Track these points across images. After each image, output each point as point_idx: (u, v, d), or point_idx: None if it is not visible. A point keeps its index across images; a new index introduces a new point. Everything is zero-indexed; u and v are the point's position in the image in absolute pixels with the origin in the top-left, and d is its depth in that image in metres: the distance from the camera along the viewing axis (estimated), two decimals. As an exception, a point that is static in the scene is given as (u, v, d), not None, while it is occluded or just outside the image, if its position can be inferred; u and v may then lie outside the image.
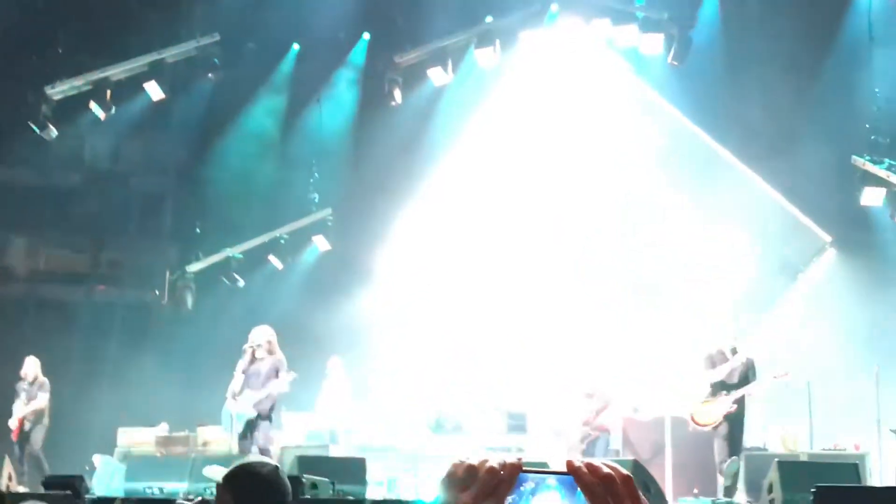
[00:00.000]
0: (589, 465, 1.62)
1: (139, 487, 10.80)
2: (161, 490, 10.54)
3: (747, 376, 11.88)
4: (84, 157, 21.62)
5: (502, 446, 14.29)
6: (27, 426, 14.42)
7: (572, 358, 15.62)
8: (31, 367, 14.68)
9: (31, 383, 14.60)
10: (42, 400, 14.52)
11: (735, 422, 11.77)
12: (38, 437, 14.41)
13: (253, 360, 12.27)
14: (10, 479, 11.49)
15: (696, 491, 11.57)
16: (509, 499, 1.62)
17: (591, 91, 17.94)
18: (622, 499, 1.61)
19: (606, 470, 1.62)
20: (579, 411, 13.98)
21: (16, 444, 14.37)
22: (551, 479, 1.65)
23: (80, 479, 9.86)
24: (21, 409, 14.45)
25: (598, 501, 1.60)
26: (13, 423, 14.41)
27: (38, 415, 14.53)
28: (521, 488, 1.63)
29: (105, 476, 12.49)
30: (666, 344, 15.37)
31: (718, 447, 11.74)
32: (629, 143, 17.69)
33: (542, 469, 1.68)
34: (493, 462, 1.65)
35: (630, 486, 1.66)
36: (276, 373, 12.24)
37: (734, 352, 11.97)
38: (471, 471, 1.63)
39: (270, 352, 12.39)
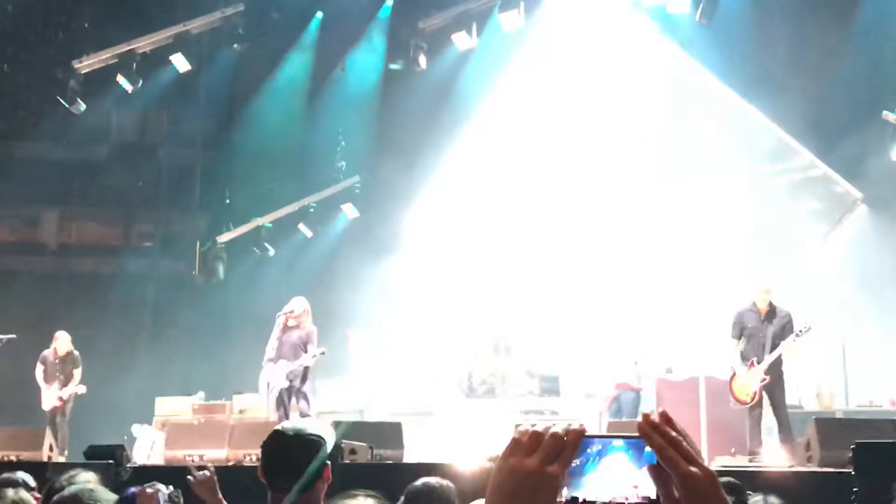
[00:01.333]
0: (657, 427, 1.66)
1: (178, 455, 10.95)
2: (201, 457, 10.68)
3: (783, 334, 11.11)
4: (112, 130, 21.72)
5: (535, 409, 14.36)
6: (69, 404, 14.57)
7: (605, 320, 15.63)
8: (64, 342, 14.79)
9: (64, 359, 14.69)
10: (78, 379, 14.63)
11: (774, 389, 11.17)
12: (68, 411, 14.59)
13: (286, 329, 12.36)
14: (51, 449, 11.65)
15: (733, 451, 11.54)
16: (576, 462, 1.66)
17: (617, 52, 17.81)
18: (692, 456, 1.64)
19: (675, 433, 1.65)
20: (610, 374, 14.01)
21: (48, 415, 14.50)
22: (618, 441, 1.68)
23: (121, 448, 9.98)
24: (59, 389, 14.49)
25: (668, 461, 1.63)
26: (53, 402, 14.51)
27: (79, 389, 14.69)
28: (588, 451, 1.67)
29: (145, 445, 12.67)
30: (698, 303, 15.29)
31: (754, 421, 11.19)
32: (656, 105, 17.57)
33: (607, 434, 1.71)
34: (558, 428, 1.69)
35: (695, 446, 1.70)
36: (305, 346, 12.33)
37: (771, 314, 11.28)
38: (535, 437, 1.66)
39: (302, 323, 12.47)
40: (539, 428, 1.68)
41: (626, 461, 1.66)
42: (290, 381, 12.14)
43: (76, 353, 14.75)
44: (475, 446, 10.00)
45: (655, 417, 1.70)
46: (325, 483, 3.86)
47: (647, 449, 1.65)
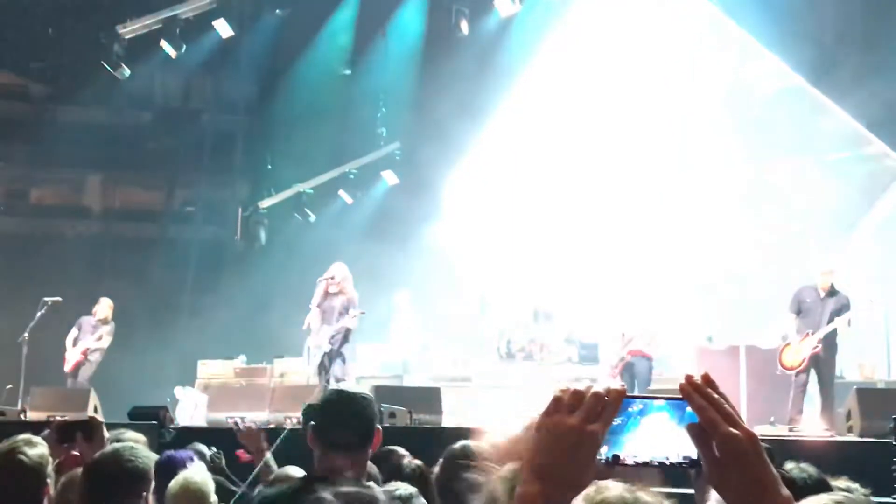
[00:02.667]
0: (699, 388, 1.66)
1: (220, 417, 11.09)
2: (242, 419, 10.80)
3: (840, 313, 11.41)
4: (155, 96, 21.86)
5: (574, 376, 14.35)
6: (87, 360, 14.81)
7: (645, 287, 15.56)
8: (105, 308, 15.02)
9: (101, 322, 14.92)
10: (107, 341, 14.88)
11: (824, 362, 11.38)
12: (87, 373, 14.81)
13: (328, 295, 12.44)
14: (95, 410, 11.82)
15: (772, 419, 11.54)
16: (617, 421, 1.67)
17: (662, 17, 17.59)
18: (732, 418, 1.65)
19: (716, 395, 1.66)
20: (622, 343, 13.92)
21: (69, 376, 14.79)
22: (659, 401, 1.69)
23: (164, 409, 10.10)
24: (89, 342, 14.78)
25: (709, 422, 1.64)
26: (76, 355, 14.82)
27: (101, 353, 14.92)
28: (629, 410, 1.68)
29: (187, 407, 12.84)
30: (743, 273, 15.17)
31: (798, 390, 11.33)
32: (701, 69, 17.37)
33: (648, 395, 1.72)
34: (599, 387, 1.70)
35: (735, 408, 1.70)
36: (347, 310, 12.41)
37: (832, 294, 11.50)
38: (577, 396, 1.68)
39: (344, 289, 12.53)
40: (580, 387, 1.69)
41: (667, 421, 1.67)
42: (332, 345, 12.24)
43: (112, 322, 15.00)
44: (513, 412, 10.02)
45: (698, 379, 1.70)
46: (375, 445, 3.91)
47: (689, 409, 1.65)
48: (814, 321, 11.45)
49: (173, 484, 4.52)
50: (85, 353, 14.74)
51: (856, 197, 16.77)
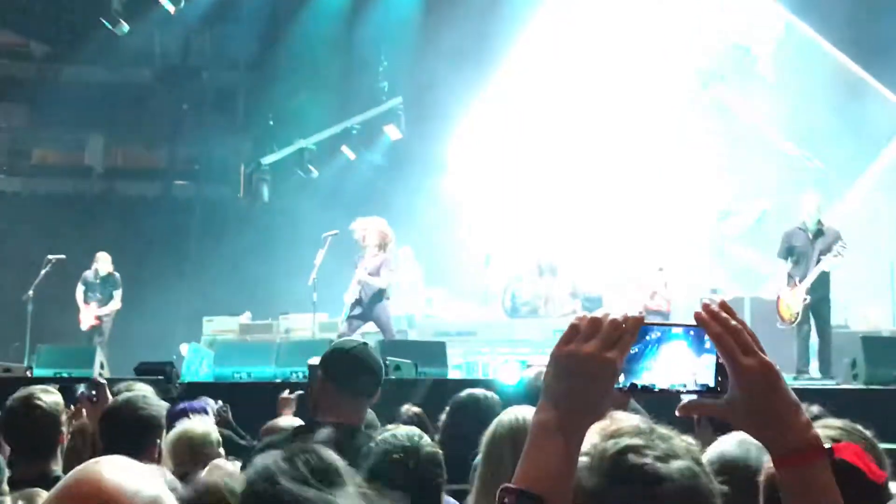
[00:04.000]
0: (716, 316, 1.64)
1: (227, 372, 11.11)
2: (249, 374, 10.83)
3: (827, 252, 10.83)
4: (155, 53, 21.71)
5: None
6: (104, 322, 14.90)
7: (648, 239, 15.55)
8: (105, 263, 15.06)
9: (105, 279, 14.98)
10: (118, 299, 14.95)
11: (819, 310, 10.99)
12: (106, 331, 14.91)
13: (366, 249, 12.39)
14: (101, 367, 11.85)
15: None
16: (635, 349, 1.65)
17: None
18: (749, 347, 1.63)
19: (734, 322, 1.64)
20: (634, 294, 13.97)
21: (85, 334, 14.87)
22: (678, 329, 1.67)
23: (171, 364, 10.12)
24: (97, 308, 14.83)
25: (726, 349, 1.62)
26: (90, 318, 14.86)
27: (115, 313, 15.00)
28: (647, 338, 1.66)
29: (194, 362, 12.87)
30: (746, 222, 15.09)
31: (802, 338, 11.06)
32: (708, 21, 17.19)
33: (666, 322, 1.70)
34: (616, 314, 1.68)
35: (754, 336, 1.68)
36: (378, 269, 12.35)
37: (819, 234, 11.01)
38: (594, 323, 1.65)
39: (371, 245, 12.45)
40: (598, 314, 1.67)
41: (685, 349, 1.65)
42: (359, 300, 12.25)
43: (116, 274, 15.05)
44: (518, 366, 10.04)
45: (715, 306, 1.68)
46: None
47: (707, 337, 1.64)
48: (805, 265, 11.00)
49: (172, 434, 4.55)
50: (99, 319, 14.82)
51: (862, 144, 16.64)
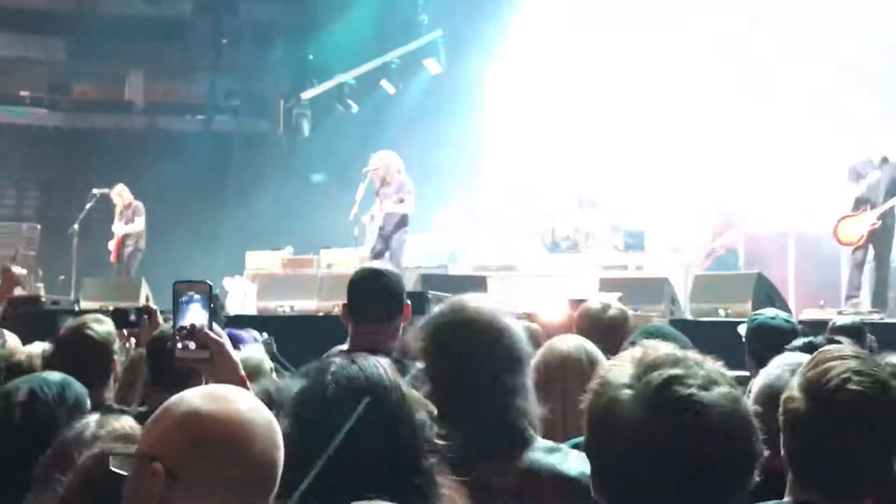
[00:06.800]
0: None
1: (271, 305, 11.22)
2: (291, 307, 10.94)
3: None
4: (194, -14, 21.68)
5: (619, 264, 14.32)
6: (127, 249, 15.10)
7: (693, 171, 15.36)
8: (125, 194, 15.30)
9: (126, 208, 15.24)
10: (140, 223, 15.15)
11: (881, 239, 10.93)
12: (135, 263, 15.10)
13: (382, 183, 12.46)
14: (147, 300, 12.00)
15: (822, 303, 11.42)
16: None
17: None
18: None
19: None
20: (702, 227, 13.91)
21: (114, 266, 15.10)
22: None
23: (216, 296, 10.23)
24: (120, 227, 15.13)
25: None
26: (112, 244, 15.12)
27: (137, 238, 15.17)
28: None
29: (237, 296, 12.99)
30: (797, 153, 14.71)
31: (856, 266, 11.01)
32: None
33: None
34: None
35: None
36: (400, 197, 12.42)
37: (884, 161, 10.89)
38: None
39: (391, 176, 12.52)
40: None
41: None
42: (383, 232, 12.34)
43: (137, 202, 15.22)
44: (558, 299, 10.03)
45: None
46: (404, 320, 4.05)
47: None
48: (872, 194, 10.91)
49: None
50: (121, 241, 15.03)
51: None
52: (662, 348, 1.78)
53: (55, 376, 3.16)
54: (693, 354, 1.79)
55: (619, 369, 1.77)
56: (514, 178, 16.87)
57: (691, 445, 1.66)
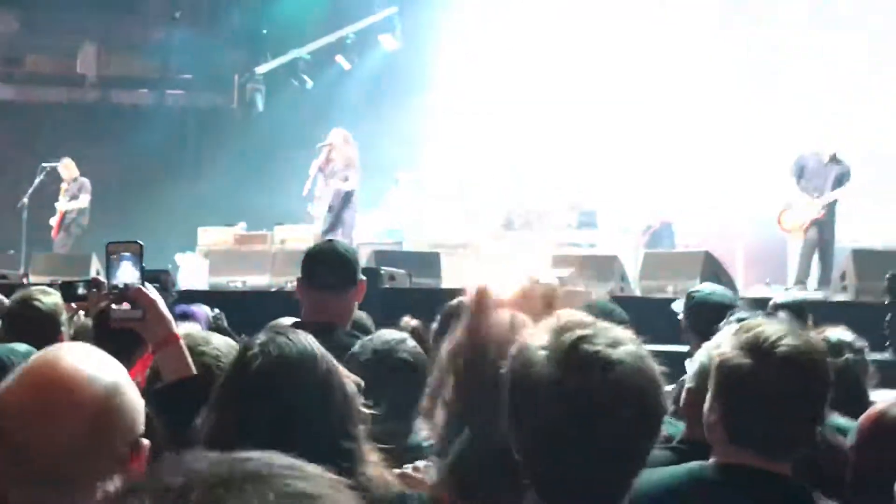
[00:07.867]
0: None
1: (222, 281, 11.21)
2: (244, 283, 10.93)
3: (841, 181, 11.37)
4: (148, -41, 21.39)
5: (572, 242, 14.44)
6: (68, 224, 15.05)
7: (642, 153, 15.48)
8: (70, 169, 15.26)
9: (72, 182, 15.28)
10: (84, 200, 15.08)
11: (825, 227, 11.43)
12: (71, 240, 15.07)
13: (328, 161, 12.48)
14: (97, 275, 11.91)
15: (768, 280, 11.65)
16: None
17: None
18: None
19: None
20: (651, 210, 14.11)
21: (55, 241, 15.03)
22: None
23: (166, 272, 10.15)
24: (63, 204, 15.07)
25: None
26: (53, 220, 15.05)
27: (78, 214, 15.10)
28: None
29: (189, 272, 12.96)
30: (749, 139, 14.86)
31: (805, 252, 11.47)
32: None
33: None
34: None
35: None
36: (346, 175, 12.47)
37: (833, 159, 11.41)
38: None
39: (343, 153, 12.56)
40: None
41: None
42: (331, 210, 12.35)
43: (83, 179, 15.26)
44: (511, 276, 10.09)
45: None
46: (358, 294, 4.09)
47: None
48: (816, 186, 11.39)
49: None
50: (62, 216, 14.96)
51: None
52: (575, 315, 1.90)
53: (22, 347, 3.17)
54: (601, 321, 1.94)
55: (536, 335, 1.92)
56: (470, 156, 16.87)
57: (600, 399, 1.80)
